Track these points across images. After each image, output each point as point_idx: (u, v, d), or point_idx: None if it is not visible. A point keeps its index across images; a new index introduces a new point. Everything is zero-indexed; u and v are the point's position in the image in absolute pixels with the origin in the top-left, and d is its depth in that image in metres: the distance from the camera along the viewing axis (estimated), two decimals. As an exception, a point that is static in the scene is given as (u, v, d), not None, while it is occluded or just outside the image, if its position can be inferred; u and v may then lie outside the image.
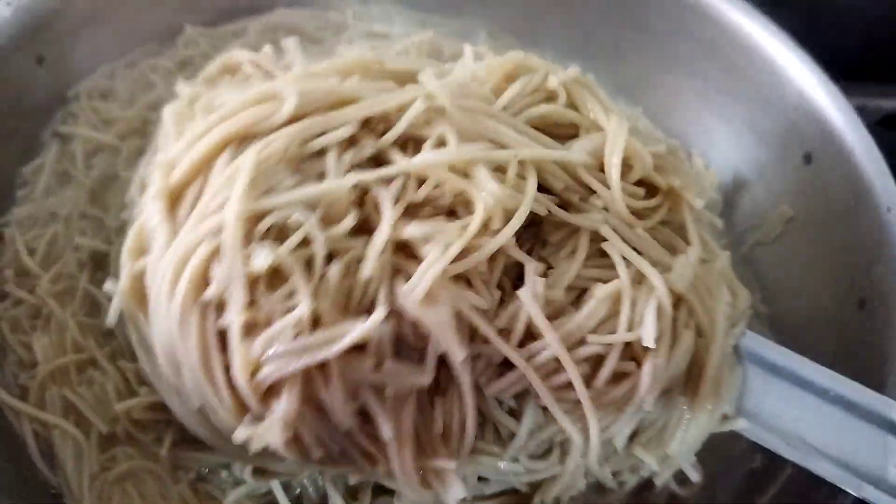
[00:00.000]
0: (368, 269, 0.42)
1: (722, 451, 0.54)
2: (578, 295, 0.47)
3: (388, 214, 0.43)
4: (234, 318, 0.42)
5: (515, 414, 0.47)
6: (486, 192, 0.44)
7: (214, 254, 0.42)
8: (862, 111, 0.66)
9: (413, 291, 0.42)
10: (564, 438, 0.47)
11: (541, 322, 0.43)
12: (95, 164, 0.67)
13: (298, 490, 0.54)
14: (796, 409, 0.51)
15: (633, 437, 0.49)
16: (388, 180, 0.45)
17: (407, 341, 0.44)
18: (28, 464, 0.51)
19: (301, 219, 0.42)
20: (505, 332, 0.45)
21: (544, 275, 0.46)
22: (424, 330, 0.43)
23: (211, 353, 0.43)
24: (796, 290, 0.67)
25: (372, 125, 0.47)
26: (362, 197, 0.45)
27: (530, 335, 0.44)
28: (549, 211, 0.47)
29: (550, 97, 0.50)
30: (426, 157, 0.45)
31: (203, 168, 0.45)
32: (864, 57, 0.91)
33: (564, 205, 0.48)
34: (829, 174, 0.65)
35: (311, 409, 0.42)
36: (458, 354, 0.43)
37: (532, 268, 0.45)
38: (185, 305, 0.43)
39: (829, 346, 0.60)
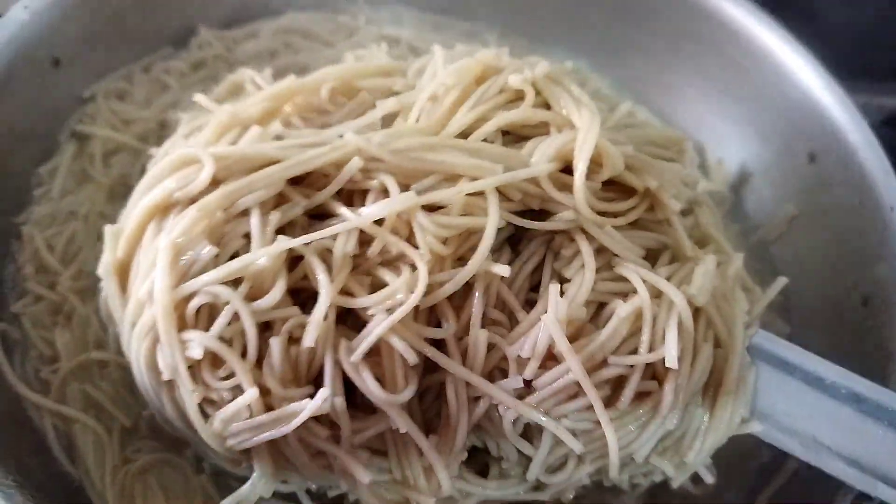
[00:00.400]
0: (310, 339, 0.43)
1: (732, 447, 0.53)
2: (597, 309, 0.47)
3: (323, 280, 0.43)
4: (187, 401, 0.44)
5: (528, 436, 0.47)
6: (423, 249, 0.44)
7: (156, 343, 0.44)
8: (866, 110, 0.68)
9: (354, 355, 0.43)
10: (582, 453, 0.48)
11: (564, 347, 0.43)
12: (114, 163, 0.68)
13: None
14: (809, 409, 0.50)
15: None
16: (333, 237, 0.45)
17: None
18: (49, 457, 0.53)
19: (225, 297, 0.43)
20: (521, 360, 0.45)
21: (561, 292, 0.46)
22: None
23: (189, 418, 0.45)
24: (800, 288, 0.68)
25: (309, 180, 0.46)
26: (295, 261, 0.45)
27: (552, 356, 0.44)
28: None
29: (520, 96, 0.50)
30: (366, 212, 0.44)
31: (138, 240, 0.48)
32: (865, 56, 0.92)
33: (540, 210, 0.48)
34: (832, 173, 0.66)
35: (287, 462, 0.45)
36: (406, 394, 0.44)
37: (554, 289, 0.45)
38: (152, 384, 0.46)
39: (833, 344, 0.61)
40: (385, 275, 0.45)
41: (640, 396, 0.46)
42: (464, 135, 0.48)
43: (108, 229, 0.50)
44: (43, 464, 0.52)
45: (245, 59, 0.76)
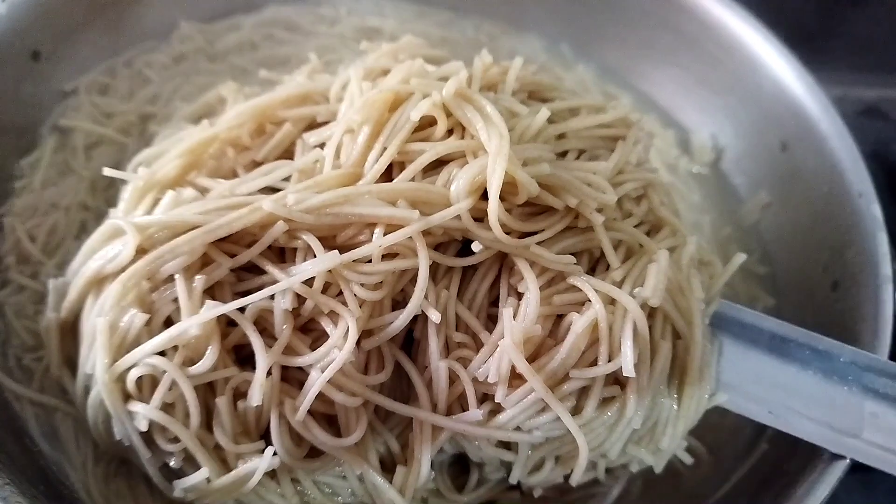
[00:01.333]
0: (255, 398, 0.45)
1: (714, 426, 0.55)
2: (555, 321, 0.48)
3: (258, 345, 0.45)
4: (147, 466, 0.48)
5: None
6: (352, 306, 0.45)
7: (108, 414, 0.47)
8: (843, 101, 0.69)
9: (298, 414, 0.45)
10: (559, 454, 0.49)
11: (524, 369, 0.45)
12: (95, 156, 0.68)
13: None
14: (774, 376, 0.52)
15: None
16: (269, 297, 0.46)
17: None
18: (31, 442, 0.53)
19: (161, 367, 0.45)
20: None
21: (516, 308, 0.47)
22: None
23: (153, 481, 0.49)
24: (772, 273, 0.70)
25: (233, 238, 0.47)
26: (228, 325, 0.47)
27: (517, 375, 0.45)
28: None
29: (432, 122, 0.49)
30: (295, 273, 0.45)
31: (80, 306, 0.50)
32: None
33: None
34: (804, 162, 0.68)
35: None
36: (355, 436, 0.46)
37: (508, 314, 0.46)
38: (114, 447, 0.50)
39: (804, 327, 0.62)
40: (327, 325, 0.46)
41: (606, 402, 0.47)
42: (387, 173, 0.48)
43: (52, 284, 0.53)
44: (24, 448, 0.52)
45: (226, 52, 0.76)
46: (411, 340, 0.50)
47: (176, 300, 0.46)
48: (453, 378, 0.47)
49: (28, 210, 0.64)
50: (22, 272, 0.60)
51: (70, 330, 0.52)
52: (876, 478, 0.51)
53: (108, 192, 0.66)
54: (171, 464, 0.47)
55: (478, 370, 0.46)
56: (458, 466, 0.55)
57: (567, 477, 0.50)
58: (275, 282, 0.45)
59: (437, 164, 0.48)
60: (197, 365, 0.45)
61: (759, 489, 0.55)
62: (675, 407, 0.50)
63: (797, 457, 0.53)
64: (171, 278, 0.47)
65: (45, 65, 0.70)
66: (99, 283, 0.49)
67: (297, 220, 0.45)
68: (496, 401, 0.45)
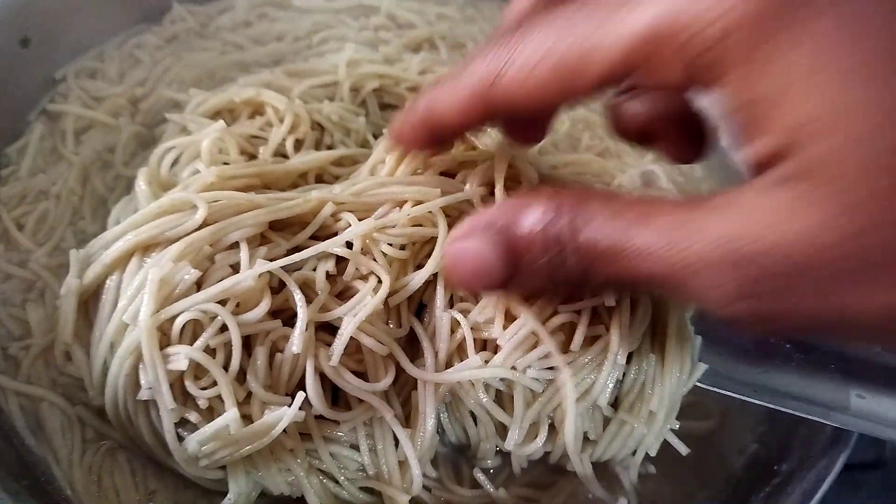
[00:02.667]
0: (296, 346, 0.47)
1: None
2: None
3: (300, 299, 0.48)
4: (165, 420, 0.47)
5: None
6: (381, 261, 0.49)
7: (138, 362, 0.47)
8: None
9: (332, 358, 0.47)
10: (552, 417, 0.49)
11: (516, 304, 0.47)
12: (85, 140, 0.66)
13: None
14: (756, 368, 0.51)
15: (617, 405, 0.51)
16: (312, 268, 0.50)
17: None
18: (14, 434, 0.51)
19: (213, 310, 0.46)
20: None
21: None
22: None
23: (165, 439, 0.47)
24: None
25: (286, 228, 0.51)
26: (281, 286, 0.49)
27: (511, 317, 0.48)
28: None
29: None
30: (336, 238, 0.50)
31: (113, 271, 0.50)
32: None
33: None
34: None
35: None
36: (385, 381, 0.48)
37: None
38: (128, 405, 0.48)
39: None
40: (359, 286, 0.49)
41: (590, 340, 0.48)
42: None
43: (74, 254, 0.52)
44: (8, 442, 0.50)
45: (219, 32, 0.74)
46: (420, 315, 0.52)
47: (233, 266, 0.48)
48: (454, 328, 0.49)
49: (15, 198, 0.62)
50: (9, 260, 0.58)
51: (84, 303, 0.52)
52: (861, 478, 0.52)
53: (98, 177, 0.64)
54: (192, 418, 0.46)
55: (477, 315, 0.48)
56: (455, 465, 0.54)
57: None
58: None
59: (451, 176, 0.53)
60: (249, 312, 0.47)
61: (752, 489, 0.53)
62: (660, 365, 0.50)
63: (789, 459, 0.52)
64: (231, 247, 0.49)
65: (34, 51, 0.68)
66: (145, 249, 0.50)
67: (344, 200, 0.50)
68: (493, 336, 0.47)
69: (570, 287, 0.47)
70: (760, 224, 0.30)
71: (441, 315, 0.49)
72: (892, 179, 0.28)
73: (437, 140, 0.47)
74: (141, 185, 0.55)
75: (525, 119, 0.47)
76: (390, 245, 0.49)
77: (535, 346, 0.47)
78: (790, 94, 0.29)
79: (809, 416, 0.48)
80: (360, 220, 0.50)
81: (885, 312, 0.29)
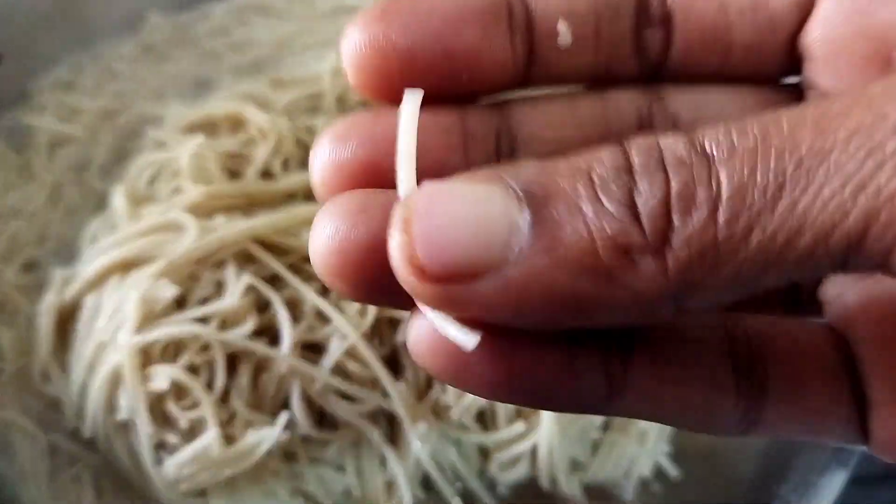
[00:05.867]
0: (283, 367, 0.46)
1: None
2: None
3: (285, 318, 0.47)
4: (144, 442, 0.45)
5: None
6: None
7: (118, 382, 0.46)
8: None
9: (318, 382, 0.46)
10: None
11: None
12: (60, 156, 0.64)
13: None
14: None
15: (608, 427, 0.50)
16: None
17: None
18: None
19: (198, 331, 0.45)
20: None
21: None
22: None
23: (143, 463, 0.46)
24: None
25: (270, 246, 0.50)
26: (266, 304, 0.48)
27: None
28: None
29: None
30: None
31: (93, 289, 0.49)
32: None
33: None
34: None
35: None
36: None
37: None
38: (105, 427, 0.47)
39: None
40: (345, 306, 0.48)
41: None
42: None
43: (58, 274, 0.51)
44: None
45: (198, 40, 0.72)
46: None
47: (217, 283, 0.47)
48: None
49: (-14, 216, 0.60)
50: (-22, 282, 0.56)
51: (61, 322, 0.51)
52: (870, 492, 0.49)
53: (75, 193, 0.62)
54: (171, 440, 0.45)
55: None
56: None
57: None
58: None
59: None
60: (234, 330, 0.46)
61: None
62: None
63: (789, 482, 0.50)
64: (216, 265, 0.48)
65: (9, 66, 0.66)
66: (126, 267, 0.49)
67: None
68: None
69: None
70: None
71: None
72: None
73: None
74: (118, 200, 0.53)
75: None
76: None
77: None
78: None
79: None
80: None
81: None
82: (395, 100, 0.20)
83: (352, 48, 0.20)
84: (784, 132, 0.16)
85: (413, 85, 0.20)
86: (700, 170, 0.16)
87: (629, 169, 0.16)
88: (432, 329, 0.18)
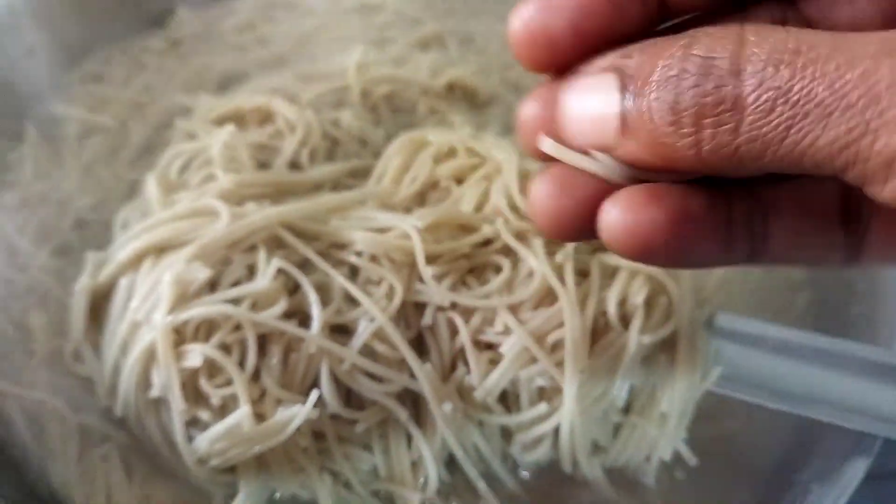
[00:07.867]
0: (312, 346, 0.46)
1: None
2: None
3: (315, 300, 0.47)
4: (176, 420, 0.46)
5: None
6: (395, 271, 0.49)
7: (151, 360, 0.46)
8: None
9: (346, 363, 0.46)
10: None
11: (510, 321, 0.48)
12: (89, 146, 0.66)
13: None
14: (776, 370, 0.49)
15: (629, 410, 0.50)
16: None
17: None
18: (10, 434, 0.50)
19: (230, 311, 0.46)
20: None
21: None
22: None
23: (174, 440, 0.47)
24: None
25: (300, 233, 0.50)
26: (296, 287, 0.49)
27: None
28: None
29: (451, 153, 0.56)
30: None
31: (127, 271, 0.51)
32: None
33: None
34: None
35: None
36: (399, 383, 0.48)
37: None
38: (138, 405, 0.48)
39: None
40: (372, 290, 0.49)
41: (604, 347, 0.48)
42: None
43: (92, 257, 0.52)
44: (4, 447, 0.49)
45: (224, 35, 0.74)
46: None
47: (248, 267, 0.48)
48: (454, 332, 0.48)
49: (17, 204, 0.61)
50: (11, 265, 0.57)
51: (95, 303, 0.52)
52: (887, 489, 0.49)
53: (104, 181, 0.63)
54: (203, 416, 0.46)
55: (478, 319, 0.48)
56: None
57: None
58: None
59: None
60: (267, 311, 0.46)
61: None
62: (671, 368, 0.49)
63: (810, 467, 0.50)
64: (248, 249, 0.49)
65: (39, 57, 0.68)
66: (159, 251, 0.50)
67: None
68: (493, 340, 0.47)
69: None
70: None
71: (437, 318, 0.48)
72: None
73: None
74: (151, 187, 0.54)
75: None
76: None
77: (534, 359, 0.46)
78: None
79: (832, 421, 0.47)
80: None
81: None
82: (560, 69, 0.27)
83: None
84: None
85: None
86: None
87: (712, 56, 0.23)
88: (621, 217, 0.25)
